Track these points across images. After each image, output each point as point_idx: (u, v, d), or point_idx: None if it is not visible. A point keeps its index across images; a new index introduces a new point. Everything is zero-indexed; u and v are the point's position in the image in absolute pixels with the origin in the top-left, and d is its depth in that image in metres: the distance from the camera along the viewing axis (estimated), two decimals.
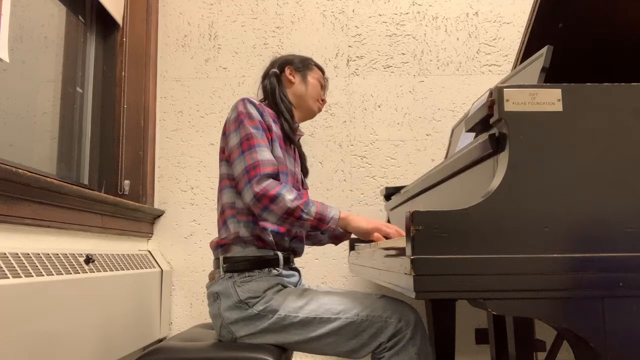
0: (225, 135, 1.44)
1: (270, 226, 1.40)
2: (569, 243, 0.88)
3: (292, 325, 1.32)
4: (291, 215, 1.31)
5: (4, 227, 1.37)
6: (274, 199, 1.30)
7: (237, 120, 1.40)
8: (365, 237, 1.42)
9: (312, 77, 1.61)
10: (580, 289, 0.87)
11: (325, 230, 1.40)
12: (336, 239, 1.67)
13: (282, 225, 1.35)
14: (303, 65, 1.61)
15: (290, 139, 1.51)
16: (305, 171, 1.63)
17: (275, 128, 1.46)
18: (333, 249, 2.34)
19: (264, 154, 1.36)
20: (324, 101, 1.64)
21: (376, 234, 1.37)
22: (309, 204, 1.33)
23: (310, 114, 1.63)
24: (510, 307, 0.88)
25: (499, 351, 1.68)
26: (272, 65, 1.63)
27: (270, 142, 1.42)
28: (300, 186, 1.56)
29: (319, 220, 1.34)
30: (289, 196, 1.31)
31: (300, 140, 1.64)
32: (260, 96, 1.61)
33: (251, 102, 1.43)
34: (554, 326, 0.93)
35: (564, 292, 0.87)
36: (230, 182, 1.43)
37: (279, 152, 1.43)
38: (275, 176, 1.36)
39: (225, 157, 1.44)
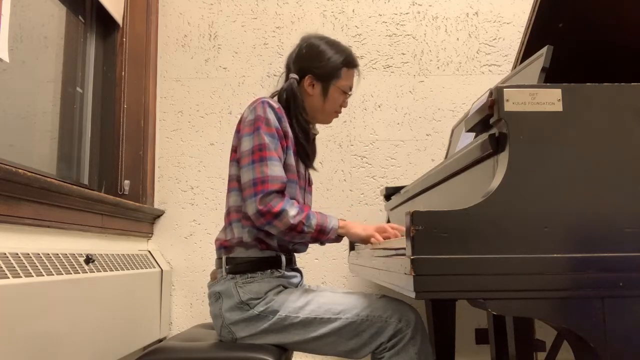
0: (238, 134, 1.42)
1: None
2: (569, 243, 0.88)
3: (292, 326, 1.32)
4: (293, 230, 1.33)
5: (4, 227, 1.37)
6: (278, 215, 1.31)
7: (253, 124, 1.36)
8: (363, 243, 1.44)
9: (335, 90, 1.49)
10: (580, 289, 0.87)
11: (325, 242, 1.41)
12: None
13: (283, 237, 1.37)
14: (329, 73, 1.48)
15: (305, 156, 1.47)
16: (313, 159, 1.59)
17: (292, 134, 1.43)
18: (333, 249, 2.34)
19: (275, 169, 1.34)
20: (340, 109, 1.55)
21: (373, 239, 1.38)
22: (310, 217, 1.35)
23: (322, 123, 1.59)
24: (510, 307, 0.88)
25: (499, 351, 1.68)
26: (297, 53, 1.50)
27: (285, 149, 1.39)
28: (306, 185, 1.55)
29: (320, 232, 1.36)
30: (292, 212, 1.32)
31: None
32: (282, 82, 1.52)
33: (270, 106, 1.38)
34: (554, 326, 0.93)
35: (564, 292, 0.87)
36: (238, 185, 1.41)
37: (291, 159, 1.41)
38: (281, 192, 1.35)
39: (236, 158, 1.42)
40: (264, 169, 1.33)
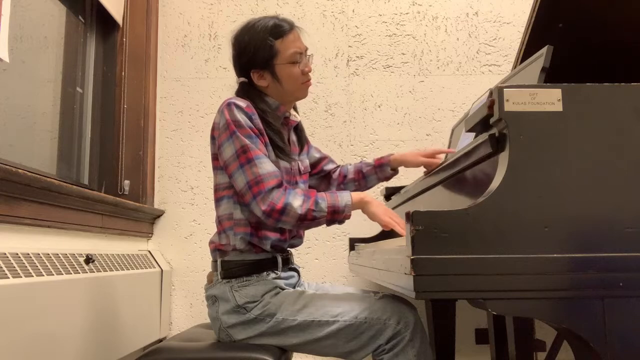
0: (214, 139, 1.39)
1: (270, 235, 1.38)
2: (569, 243, 0.88)
3: (290, 329, 1.31)
4: (304, 219, 1.30)
5: (4, 227, 1.37)
6: (283, 211, 1.28)
7: (227, 129, 1.33)
8: (378, 222, 1.36)
9: (282, 68, 1.40)
10: (580, 289, 0.87)
11: (343, 220, 1.35)
12: (385, 179, 1.71)
13: (298, 229, 1.36)
14: (265, 58, 1.39)
15: (279, 151, 1.41)
16: (302, 146, 1.56)
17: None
18: (333, 249, 2.34)
19: (264, 166, 1.31)
20: (307, 75, 1.44)
21: (388, 221, 1.32)
22: (318, 202, 1.31)
23: (298, 100, 1.52)
24: (510, 307, 0.88)
25: (499, 351, 1.68)
26: (232, 57, 1.46)
27: (265, 145, 1.36)
28: (297, 177, 1.50)
29: (333, 212, 1.31)
30: (297, 203, 1.29)
31: None
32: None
33: (237, 107, 1.34)
34: (554, 326, 0.93)
35: (564, 292, 0.87)
36: (228, 192, 1.38)
37: (272, 155, 1.38)
38: (280, 186, 1.32)
39: (221, 166, 1.38)
40: (254, 170, 1.30)
